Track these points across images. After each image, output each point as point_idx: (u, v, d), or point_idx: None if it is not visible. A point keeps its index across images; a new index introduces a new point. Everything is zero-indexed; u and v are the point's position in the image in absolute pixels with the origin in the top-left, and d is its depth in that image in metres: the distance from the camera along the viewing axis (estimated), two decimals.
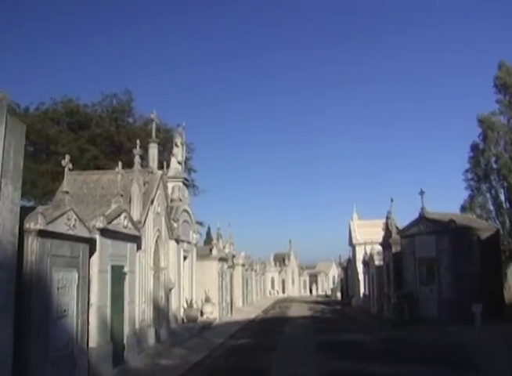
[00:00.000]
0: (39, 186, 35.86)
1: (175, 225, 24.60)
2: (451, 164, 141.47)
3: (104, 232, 13.14)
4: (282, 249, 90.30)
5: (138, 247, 16.22)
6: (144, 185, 17.74)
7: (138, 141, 17.83)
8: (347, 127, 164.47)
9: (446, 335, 19.96)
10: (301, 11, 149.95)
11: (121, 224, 14.30)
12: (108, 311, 13.39)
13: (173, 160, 28.12)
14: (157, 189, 18.63)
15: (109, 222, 13.37)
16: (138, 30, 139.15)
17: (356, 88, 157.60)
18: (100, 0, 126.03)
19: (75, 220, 11.21)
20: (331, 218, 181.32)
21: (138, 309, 16.16)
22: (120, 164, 15.62)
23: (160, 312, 18.68)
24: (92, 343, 12.38)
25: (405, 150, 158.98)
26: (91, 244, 12.45)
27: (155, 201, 18.34)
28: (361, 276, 43.73)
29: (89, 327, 12.37)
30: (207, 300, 28.69)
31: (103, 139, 41.31)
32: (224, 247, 36.64)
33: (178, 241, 24.75)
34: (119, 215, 14.14)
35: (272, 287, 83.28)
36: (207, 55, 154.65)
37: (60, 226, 10.62)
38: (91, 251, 12.61)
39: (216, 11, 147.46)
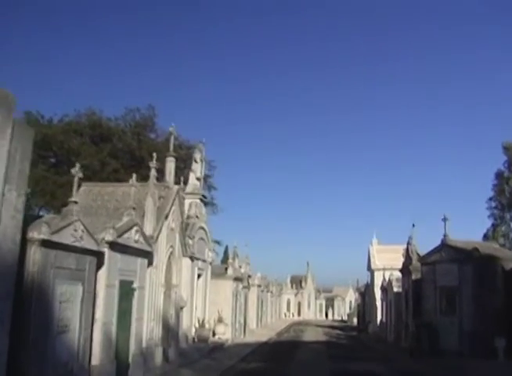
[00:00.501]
0: (59, 197, 35.75)
1: (191, 242, 24.12)
2: (474, 192, 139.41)
3: (113, 245, 12.73)
4: (299, 271, 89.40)
5: (150, 263, 15.78)
6: (159, 199, 17.35)
7: (154, 154, 17.49)
8: (370, 151, 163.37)
9: (467, 370, 19.03)
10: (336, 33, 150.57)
11: (132, 238, 13.89)
12: (114, 328, 12.92)
13: (191, 176, 27.77)
14: (173, 204, 18.22)
15: (120, 236, 12.96)
16: (165, 46, 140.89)
17: (378, 112, 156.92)
18: (127, 16, 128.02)
19: (82, 231, 10.82)
20: (350, 241, 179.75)
21: (147, 327, 15.66)
22: (134, 176, 15.26)
23: (170, 331, 18.15)
24: (95, 361, 11.89)
25: (428, 175, 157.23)
26: (98, 257, 12.04)
27: (169, 216, 17.92)
28: (378, 303, 42.71)
29: (92, 344, 11.91)
30: (220, 320, 28.06)
31: (124, 153, 41.30)
32: (240, 267, 35.99)
33: (192, 259, 24.24)
34: (130, 228, 13.74)
35: (288, 309, 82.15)
36: (234, 73, 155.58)
37: (66, 237, 10.23)
38: (99, 265, 12.19)
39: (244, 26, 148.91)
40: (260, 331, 39.73)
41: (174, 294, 18.52)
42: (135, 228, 13.97)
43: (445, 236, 24.54)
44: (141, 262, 14.81)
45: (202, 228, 26.63)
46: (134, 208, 14.34)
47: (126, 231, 13.44)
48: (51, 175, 37.00)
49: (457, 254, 23.82)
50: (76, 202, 11.00)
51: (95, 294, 12.00)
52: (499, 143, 45.07)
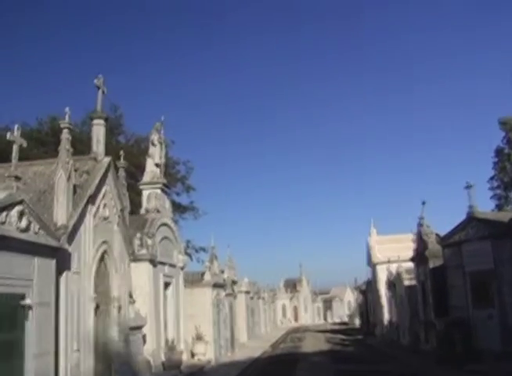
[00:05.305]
0: None
1: (150, 242, 18.94)
2: (474, 173, 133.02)
3: None
4: (292, 274, 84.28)
5: (63, 267, 10.45)
6: (82, 175, 12.07)
7: (67, 108, 12.14)
8: (361, 141, 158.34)
9: None
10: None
11: (13, 224, 8.52)
12: None
13: (149, 162, 22.50)
14: (103, 182, 12.87)
15: None
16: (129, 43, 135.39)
17: (372, 97, 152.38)
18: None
19: None
20: (344, 238, 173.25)
21: (65, 363, 10.27)
22: (16, 127, 9.88)
23: (113, 363, 12.75)
24: None
25: (422, 162, 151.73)
26: None
27: (98, 199, 12.57)
28: (384, 300, 37.60)
29: None
30: (199, 338, 22.68)
31: None
32: (222, 272, 30.61)
33: (154, 263, 19.04)
34: (6, 208, 8.36)
35: (284, 315, 77.01)
36: (209, 70, 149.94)
37: None
38: None
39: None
40: (252, 344, 34.29)
41: (117, 311, 13.10)
42: (17, 208, 8.58)
43: (470, 207, 19.35)
44: (41, 264, 9.44)
45: (165, 224, 21.37)
46: (17, 178, 8.97)
47: None
48: None
49: (490, 228, 18.57)
50: None
51: None
52: (495, 120, 40.99)
